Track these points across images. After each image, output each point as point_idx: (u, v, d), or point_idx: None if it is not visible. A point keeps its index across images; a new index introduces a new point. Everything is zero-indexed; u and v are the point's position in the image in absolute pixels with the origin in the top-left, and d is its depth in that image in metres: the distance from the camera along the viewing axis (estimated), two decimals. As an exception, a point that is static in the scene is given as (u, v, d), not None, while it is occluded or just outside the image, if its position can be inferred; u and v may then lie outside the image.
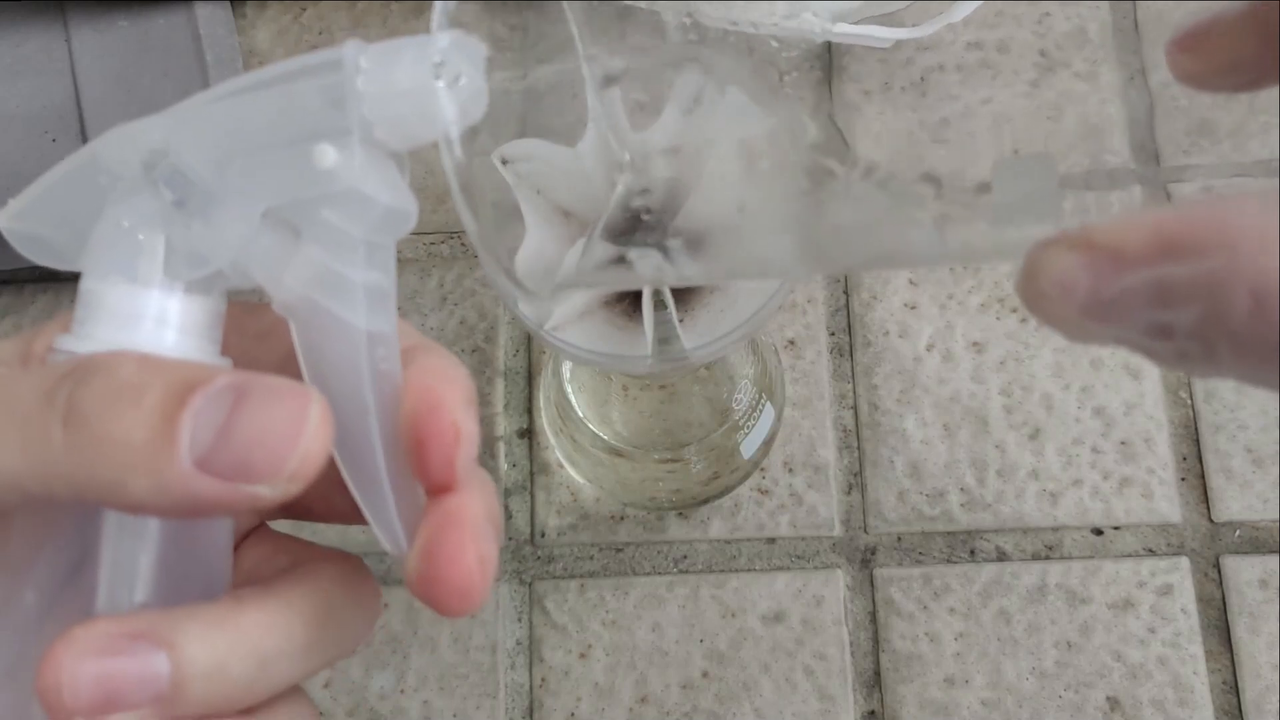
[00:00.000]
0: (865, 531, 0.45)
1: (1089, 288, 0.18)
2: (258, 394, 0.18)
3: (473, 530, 0.20)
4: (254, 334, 0.22)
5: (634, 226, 0.26)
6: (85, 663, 0.18)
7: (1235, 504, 0.45)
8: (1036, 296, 0.19)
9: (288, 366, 0.21)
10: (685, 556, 0.45)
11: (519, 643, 0.44)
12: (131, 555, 0.20)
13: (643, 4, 0.23)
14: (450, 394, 0.20)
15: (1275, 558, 0.44)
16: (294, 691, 0.21)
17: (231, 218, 0.20)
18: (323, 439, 0.18)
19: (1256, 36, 0.21)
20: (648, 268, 0.23)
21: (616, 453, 0.43)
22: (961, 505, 0.45)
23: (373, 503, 0.21)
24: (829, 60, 0.21)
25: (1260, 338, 0.17)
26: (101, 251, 0.21)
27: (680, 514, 0.46)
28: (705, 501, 0.45)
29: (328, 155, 0.20)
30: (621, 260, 0.23)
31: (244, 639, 0.19)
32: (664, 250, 0.22)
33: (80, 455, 0.17)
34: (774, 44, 0.22)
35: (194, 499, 0.18)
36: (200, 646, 0.19)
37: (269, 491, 0.18)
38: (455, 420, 0.20)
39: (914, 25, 0.21)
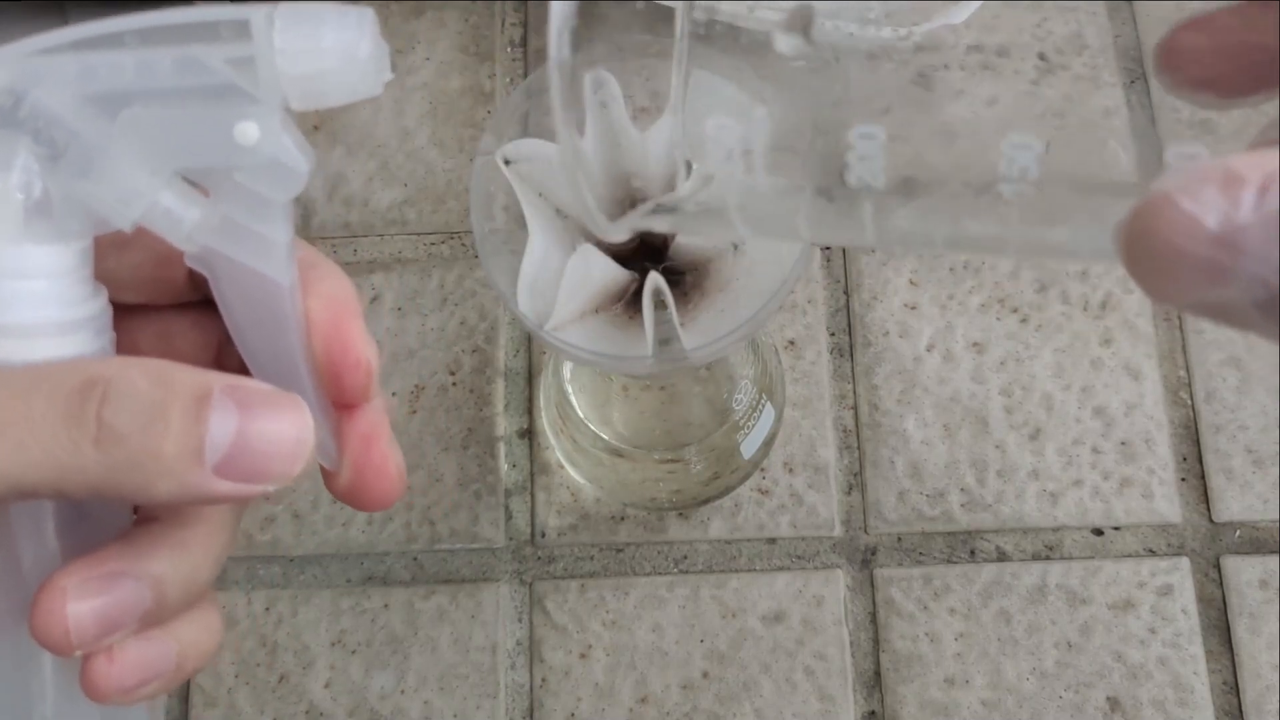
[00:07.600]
0: (865, 532, 0.45)
1: (1225, 214, 0.17)
2: (258, 405, 0.20)
3: (388, 443, 0.24)
4: (109, 243, 0.22)
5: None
6: (81, 604, 0.20)
7: (1235, 504, 0.45)
8: (1152, 235, 0.17)
9: (159, 275, 0.23)
10: (685, 557, 0.45)
11: (519, 643, 0.44)
12: (44, 514, 0.21)
13: (643, 3, 0.23)
14: (354, 327, 0.23)
15: (1275, 558, 0.44)
16: None
17: (134, 178, 0.20)
18: (313, 438, 0.21)
19: (1235, 50, 0.21)
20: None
21: (617, 453, 0.43)
22: (962, 505, 0.45)
23: None
24: (829, 56, 0.21)
25: None
26: None
27: (680, 514, 0.46)
28: (705, 502, 0.45)
29: (250, 133, 0.20)
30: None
31: (207, 548, 0.22)
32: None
33: (112, 467, 0.19)
34: (773, 35, 0.22)
35: (210, 496, 0.20)
36: (169, 565, 0.21)
37: (275, 488, 0.20)
38: (361, 352, 0.23)
39: (914, 25, 0.21)
